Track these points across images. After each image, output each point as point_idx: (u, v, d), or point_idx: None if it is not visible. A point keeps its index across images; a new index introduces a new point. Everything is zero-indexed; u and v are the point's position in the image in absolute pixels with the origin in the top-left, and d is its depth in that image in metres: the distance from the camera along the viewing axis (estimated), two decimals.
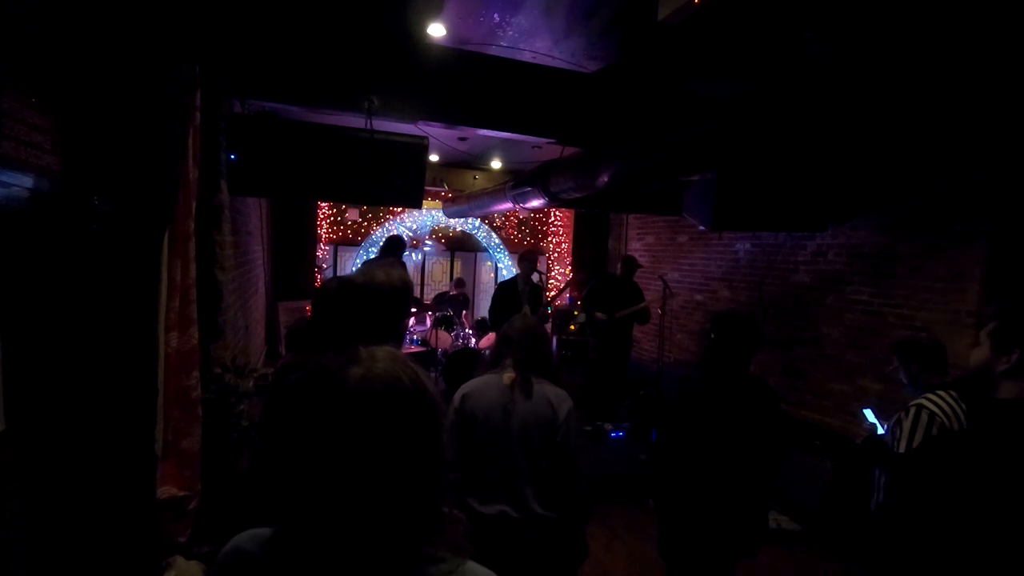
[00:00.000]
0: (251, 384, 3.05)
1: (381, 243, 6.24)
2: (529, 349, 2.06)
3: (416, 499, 0.75)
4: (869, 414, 2.55)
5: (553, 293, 7.37)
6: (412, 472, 0.74)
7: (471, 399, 2.02)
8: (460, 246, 8.98)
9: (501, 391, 2.01)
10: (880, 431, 2.43)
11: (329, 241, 8.18)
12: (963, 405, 2.09)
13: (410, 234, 8.33)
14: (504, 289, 5.50)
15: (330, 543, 0.71)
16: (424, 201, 5.22)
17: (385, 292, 1.60)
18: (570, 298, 8.30)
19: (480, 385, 2.06)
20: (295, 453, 0.75)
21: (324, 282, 1.67)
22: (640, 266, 6.04)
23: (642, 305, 5.67)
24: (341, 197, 5.31)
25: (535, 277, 5.57)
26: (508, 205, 5.96)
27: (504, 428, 1.97)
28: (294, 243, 7.54)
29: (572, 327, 7.26)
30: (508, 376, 2.02)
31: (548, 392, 2.02)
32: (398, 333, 1.74)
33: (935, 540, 1.31)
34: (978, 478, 1.27)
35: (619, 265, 5.84)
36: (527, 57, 3.80)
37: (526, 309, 5.18)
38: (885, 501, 2.12)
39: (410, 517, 0.74)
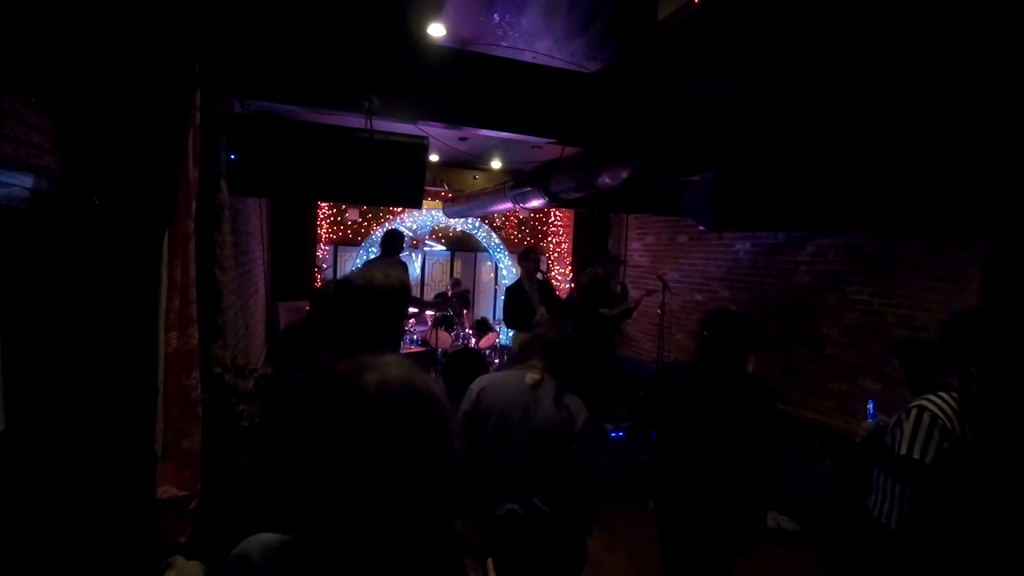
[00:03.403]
0: (251, 384, 3.05)
1: (380, 239, 6.22)
2: (565, 357, 2.07)
3: (431, 510, 0.73)
4: (871, 405, 2.56)
5: (568, 292, 7.37)
6: (429, 480, 0.72)
7: (487, 393, 2.00)
8: (460, 246, 8.97)
9: (522, 390, 2.00)
10: (871, 420, 2.43)
11: (329, 241, 8.17)
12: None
13: (410, 234, 8.32)
14: (513, 293, 5.36)
15: (339, 555, 0.70)
16: (424, 201, 5.21)
17: (383, 294, 1.58)
18: (570, 299, 8.30)
19: (500, 379, 2.04)
20: (305, 459, 0.73)
21: (322, 283, 1.65)
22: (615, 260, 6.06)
23: (633, 302, 5.71)
24: (341, 197, 5.30)
25: (538, 276, 5.45)
26: (508, 205, 5.95)
27: (520, 427, 1.97)
28: (294, 243, 7.54)
29: None
30: (532, 376, 2.01)
31: (568, 400, 2.03)
32: (395, 336, 1.72)
33: (954, 556, 1.24)
34: (988, 494, 1.21)
35: (598, 267, 5.79)
36: (527, 57, 3.79)
37: (542, 310, 5.11)
38: (899, 512, 2.07)
39: (424, 529, 0.72)
